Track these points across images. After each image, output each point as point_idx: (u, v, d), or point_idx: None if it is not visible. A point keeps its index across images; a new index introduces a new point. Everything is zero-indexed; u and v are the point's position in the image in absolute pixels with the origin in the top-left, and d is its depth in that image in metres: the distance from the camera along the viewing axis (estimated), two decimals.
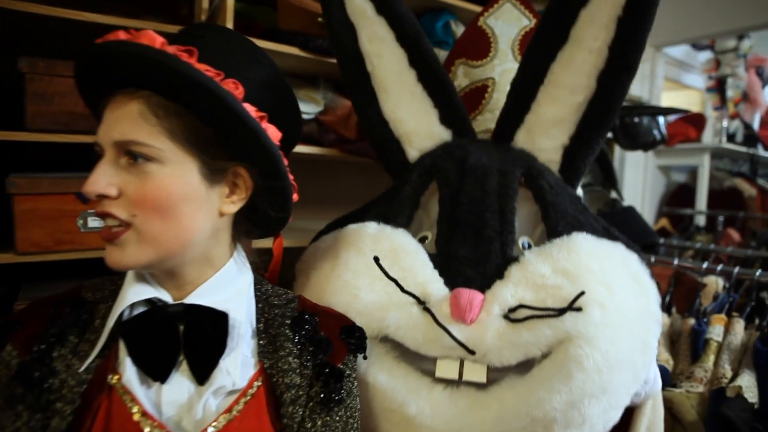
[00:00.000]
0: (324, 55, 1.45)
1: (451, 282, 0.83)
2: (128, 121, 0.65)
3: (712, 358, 1.31)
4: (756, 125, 3.69)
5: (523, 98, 0.96)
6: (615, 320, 0.79)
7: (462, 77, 1.23)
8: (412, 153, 1.03)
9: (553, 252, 0.82)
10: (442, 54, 1.74)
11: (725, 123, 3.42)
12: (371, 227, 0.90)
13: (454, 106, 1.02)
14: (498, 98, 1.16)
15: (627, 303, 0.82)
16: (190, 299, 0.71)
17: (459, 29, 1.79)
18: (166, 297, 0.71)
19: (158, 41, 0.65)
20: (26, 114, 1.04)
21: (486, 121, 1.16)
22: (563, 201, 0.89)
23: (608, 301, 0.79)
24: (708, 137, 3.46)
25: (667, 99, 3.67)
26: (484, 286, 0.82)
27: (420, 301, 0.81)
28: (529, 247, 0.88)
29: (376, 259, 0.85)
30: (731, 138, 3.51)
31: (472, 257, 0.84)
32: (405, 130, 1.03)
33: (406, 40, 1.00)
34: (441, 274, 0.85)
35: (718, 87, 3.63)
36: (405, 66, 1.01)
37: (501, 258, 0.84)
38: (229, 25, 1.35)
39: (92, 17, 1.05)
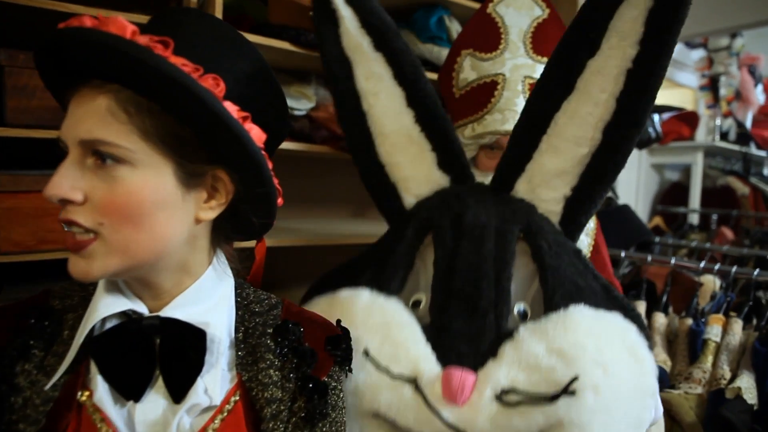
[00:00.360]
0: (316, 50, 1.41)
1: (444, 357, 0.81)
2: (95, 117, 0.58)
3: (710, 358, 1.29)
4: (748, 123, 3.70)
5: (525, 147, 0.91)
6: (609, 404, 0.77)
7: (469, 70, 1.16)
8: (409, 200, 0.99)
9: (549, 329, 0.79)
10: (435, 50, 1.71)
11: (718, 121, 3.42)
12: (364, 297, 0.86)
13: (453, 149, 0.97)
14: (508, 97, 1.09)
15: (622, 383, 0.79)
16: (167, 312, 0.65)
17: (453, 24, 1.76)
18: (142, 308, 0.66)
19: (129, 30, 0.58)
20: (6, 109, 1.00)
21: (495, 122, 1.08)
22: (562, 263, 0.86)
23: (603, 384, 0.76)
24: (701, 135, 3.46)
25: (660, 97, 3.62)
26: (477, 363, 0.80)
27: (411, 380, 0.79)
28: (525, 315, 0.85)
29: (366, 353, 0.82)
30: (724, 136, 3.52)
31: (466, 331, 0.81)
32: (402, 176, 0.98)
33: (404, 78, 0.96)
34: (434, 348, 0.82)
35: (711, 85, 3.63)
36: (402, 105, 0.97)
37: (495, 332, 0.82)
38: None
39: (76, 9, 1.01)
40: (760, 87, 3.76)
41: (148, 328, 0.64)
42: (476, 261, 0.84)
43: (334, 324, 0.78)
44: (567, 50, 0.87)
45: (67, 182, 0.58)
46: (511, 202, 0.93)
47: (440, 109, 0.96)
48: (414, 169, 0.97)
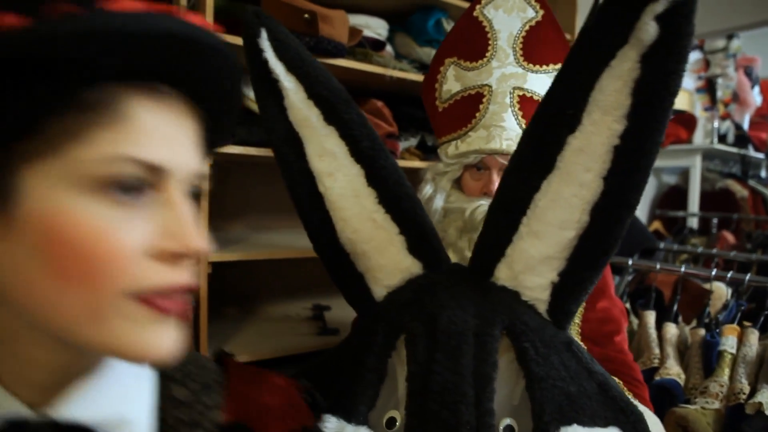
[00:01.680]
0: (312, 53, 1.36)
1: None
2: (196, 144, 0.46)
3: (727, 371, 1.24)
4: (746, 126, 3.68)
5: (503, 230, 0.79)
6: None
7: (452, 81, 1.05)
8: (379, 291, 0.87)
9: None
10: (433, 54, 1.66)
11: (716, 124, 3.40)
12: (330, 427, 0.75)
13: (423, 231, 0.85)
14: (495, 111, 0.99)
15: None
16: (64, 409, 0.43)
17: (451, 27, 1.72)
18: (19, 408, 0.42)
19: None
20: None
21: (479, 140, 0.98)
22: (551, 369, 0.75)
23: None
24: (699, 138, 3.43)
25: None
26: None
27: None
28: (512, 431, 0.76)
29: None
30: (722, 139, 3.49)
31: None
32: (369, 266, 0.87)
33: (361, 154, 0.82)
34: None
35: (708, 87, 3.60)
36: (363, 185, 0.84)
37: None
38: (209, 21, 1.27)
39: None
40: (756, 89, 3.74)
41: None
42: (453, 380, 0.73)
43: (302, 399, 0.60)
44: (543, 126, 0.75)
45: None
46: (492, 292, 0.81)
47: (406, 187, 0.84)
48: (382, 258, 0.86)
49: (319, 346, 1.46)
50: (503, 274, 0.81)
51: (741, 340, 1.29)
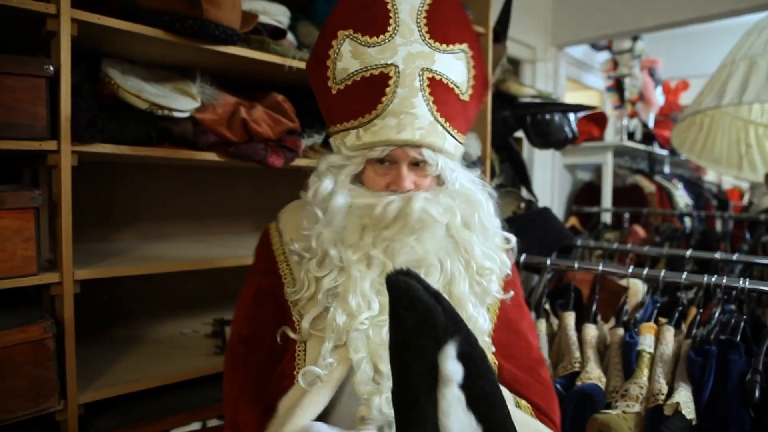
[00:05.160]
0: (196, 39, 1.20)
1: None
2: None
3: (646, 372, 1.20)
4: (651, 124, 3.85)
5: None
6: None
7: (349, 58, 0.87)
8: None
9: None
10: None
11: (625, 121, 3.52)
12: None
13: None
14: (404, 96, 0.84)
15: None
16: None
17: None
18: None
19: None
20: None
21: (388, 130, 0.84)
22: None
23: None
24: (610, 135, 3.54)
25: (569, 99, 3.73)
26: None
27: None
28: None
29: None
30: (631, 136, 3.62)
31: None
32: None
33: None
34: None
35: (617, 87, 3.74)
36: None
37: None
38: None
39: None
40: (659, 89, 3.93)
41: None
42: None
43: None
44: None
45: None
46: None
47: None
48: None
49: (216, 368, 1.29)
50: None
51: (658, 338, 1.26)
